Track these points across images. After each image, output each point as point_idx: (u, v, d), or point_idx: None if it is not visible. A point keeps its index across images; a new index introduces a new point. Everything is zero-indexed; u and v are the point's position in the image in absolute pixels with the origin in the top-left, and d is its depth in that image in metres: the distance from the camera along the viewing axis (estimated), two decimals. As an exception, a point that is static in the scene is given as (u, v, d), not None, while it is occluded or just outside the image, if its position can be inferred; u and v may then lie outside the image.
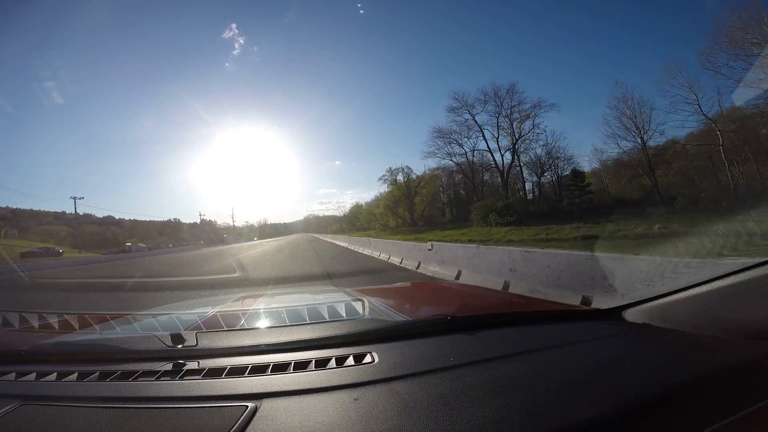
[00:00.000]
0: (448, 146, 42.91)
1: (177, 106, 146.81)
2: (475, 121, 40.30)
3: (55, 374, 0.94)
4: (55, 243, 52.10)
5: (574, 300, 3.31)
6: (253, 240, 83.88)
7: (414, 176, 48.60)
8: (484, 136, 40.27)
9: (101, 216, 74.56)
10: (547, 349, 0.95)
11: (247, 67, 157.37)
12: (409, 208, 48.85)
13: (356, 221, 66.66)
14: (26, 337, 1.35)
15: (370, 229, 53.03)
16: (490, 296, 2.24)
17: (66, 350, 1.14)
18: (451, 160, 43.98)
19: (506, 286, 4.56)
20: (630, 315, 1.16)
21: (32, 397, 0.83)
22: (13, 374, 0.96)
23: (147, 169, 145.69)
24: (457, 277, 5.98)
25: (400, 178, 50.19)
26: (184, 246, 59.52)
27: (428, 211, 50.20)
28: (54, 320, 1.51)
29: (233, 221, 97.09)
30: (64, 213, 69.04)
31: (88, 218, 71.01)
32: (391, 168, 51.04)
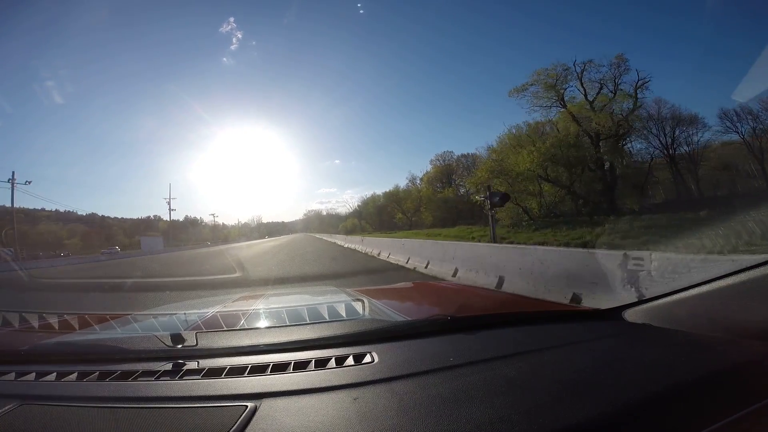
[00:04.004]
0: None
1: (171, 101, 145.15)
2: None
3: (54, 374, 0.94)
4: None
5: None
6: (192, 249, 42.67)
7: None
8: None
9: (83, 214, 73.04)
10: (547, 349, 0.95)
11: (245, 62, 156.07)
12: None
13: (392, 214, 42.06)
14: (26, 337, 1.35)
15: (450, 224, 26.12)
16: (490, 296, 2.24)
17: (66, 350, 1.14)
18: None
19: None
20: (630, 315, 1.16)
21: (32, 397, 0.83)
22: (13, 374, 0.96)
23: (139, 167, 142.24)
24: None
25: (578, 91, 19.82)
26: (105, 253, 41.29)
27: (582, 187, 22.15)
28: (54, 320, 1.51)
29: (170, 214, 58.93)
30: (42, 210, 67.76)
31: (69, 215, 69.58)
32: (550, 67, 20.87)
